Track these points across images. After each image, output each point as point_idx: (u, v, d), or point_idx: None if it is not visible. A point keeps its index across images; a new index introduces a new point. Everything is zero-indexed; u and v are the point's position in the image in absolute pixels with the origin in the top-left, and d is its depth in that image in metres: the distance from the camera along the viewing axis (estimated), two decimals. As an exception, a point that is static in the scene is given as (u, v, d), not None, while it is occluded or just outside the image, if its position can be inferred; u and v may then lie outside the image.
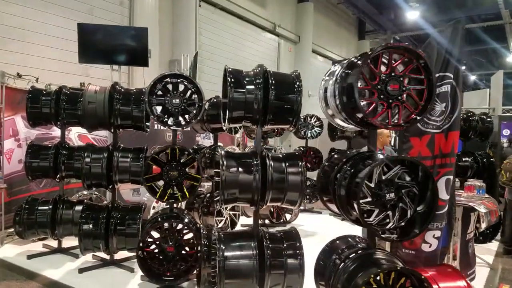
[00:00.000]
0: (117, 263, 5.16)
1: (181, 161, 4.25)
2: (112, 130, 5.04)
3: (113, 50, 7.27)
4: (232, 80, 3.43)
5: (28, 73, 6.61)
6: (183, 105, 4.20)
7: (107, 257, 5.17)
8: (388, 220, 2.81)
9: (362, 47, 21.52)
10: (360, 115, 2.81)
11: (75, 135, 6.99)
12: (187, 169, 4.29)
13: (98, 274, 4.90)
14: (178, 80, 4.20)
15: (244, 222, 6.62)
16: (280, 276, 3.48)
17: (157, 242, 4.26)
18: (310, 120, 8.64)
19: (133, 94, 5.00)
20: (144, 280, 4.61)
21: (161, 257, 4.27)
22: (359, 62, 2.75)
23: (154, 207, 6.71)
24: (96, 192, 6.42)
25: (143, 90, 5.05)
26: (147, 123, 5.04)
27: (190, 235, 4.32)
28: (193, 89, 4.23)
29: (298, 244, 3.62)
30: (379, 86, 2.75)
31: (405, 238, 2.83)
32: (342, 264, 3.00)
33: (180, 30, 11.38)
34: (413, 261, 3.52)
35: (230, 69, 3.48)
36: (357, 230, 3.95)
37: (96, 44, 7.17)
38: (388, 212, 2.79)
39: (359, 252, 3.05)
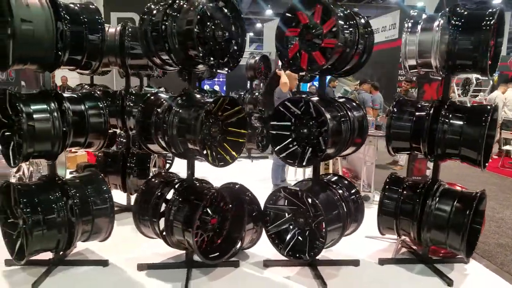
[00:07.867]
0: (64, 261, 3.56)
1: (222, 114, 3.22)
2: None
3: None
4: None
5: None
6: (223, 41, 3.13)
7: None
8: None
9: None
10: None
11: None
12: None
13: (66, 280, 3.31)
14: (218, 4, 3.04)
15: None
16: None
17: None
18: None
19: (85, 13, 3.17)
20: (143, 270, 3.53)
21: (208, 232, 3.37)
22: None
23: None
24: None
25: (91, 6, 3.32)
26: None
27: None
28: (232, 16, 3.16)
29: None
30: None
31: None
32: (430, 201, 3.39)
33: None
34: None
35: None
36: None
37: None
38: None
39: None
